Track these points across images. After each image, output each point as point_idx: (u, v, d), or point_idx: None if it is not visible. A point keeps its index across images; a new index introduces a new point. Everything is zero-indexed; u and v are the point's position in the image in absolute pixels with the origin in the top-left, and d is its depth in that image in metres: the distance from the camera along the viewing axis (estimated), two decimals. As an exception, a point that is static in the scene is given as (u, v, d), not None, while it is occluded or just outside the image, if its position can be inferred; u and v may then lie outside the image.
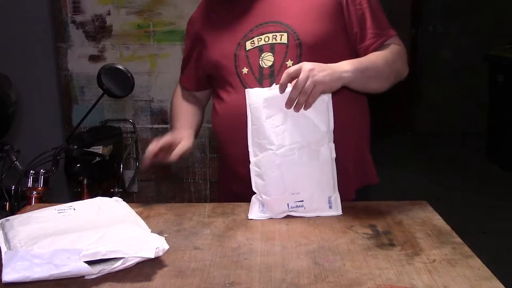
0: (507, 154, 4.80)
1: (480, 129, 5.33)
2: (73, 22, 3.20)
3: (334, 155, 1.39)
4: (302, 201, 1.36)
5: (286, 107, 1.33)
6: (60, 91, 3.29)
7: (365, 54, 1.47)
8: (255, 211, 1.39)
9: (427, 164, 5.12)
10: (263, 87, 1.42)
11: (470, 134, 5.70)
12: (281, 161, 1.34)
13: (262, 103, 1.35)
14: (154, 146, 1.44)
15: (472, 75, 5.75)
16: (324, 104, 1.36)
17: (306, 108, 1.32)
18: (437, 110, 6.04)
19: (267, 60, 1.45)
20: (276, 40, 1.45)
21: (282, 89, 1.32)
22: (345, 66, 1.35)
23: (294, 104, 1.32)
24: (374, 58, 1.44)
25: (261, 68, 1.45)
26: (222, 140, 1.57)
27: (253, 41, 1.47)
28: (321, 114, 1.36)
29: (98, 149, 2.27)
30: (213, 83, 1.61)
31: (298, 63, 1.37)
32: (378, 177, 1.61)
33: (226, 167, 1.60)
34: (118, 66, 1.78)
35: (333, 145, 1.38)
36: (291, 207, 1.37)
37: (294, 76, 1.30)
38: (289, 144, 1.34)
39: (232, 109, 1.49)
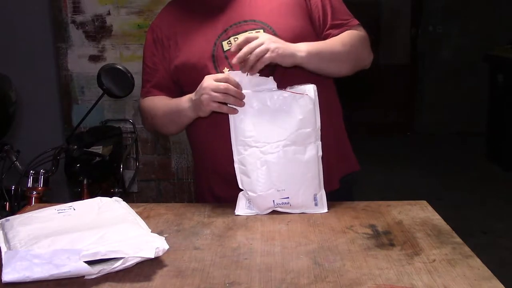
0: (507, 154, 4.80)
1: (480, 129, 5.33)
2: (73, 22, 3.20)
3: (320, 153, 1.41)
4: (288, 197, 1.38)
5: (232, 62, 1.36)
6: (60, 91, 3.28)
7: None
8: (242, 207, 1.42)
9: (427, 164, 5.12)
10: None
11: (470, 134, 5.70)
12: (266, 158, 1.37)
13: (246, 103, 1.38)
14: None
15: (472, 75, 5.75)
16: (310, 103, 1.38)
17: (252, 71, 1.35)
18: (437, 110, 6.04)
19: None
20: None
21: (239, 60, 1.34)
22: (301, 46, 1.40)
23: (242, 65, 1.35)
24: (331, 41, 1.49)
25: None
26: (205, 143, 1.54)
27: (230, 41, 1.49)
28: (307, 113, 1.38)
29: (98, 149, 2.26)
30: (185, 88, 1.54)
31: None
32: (360, 165, 1.64)
33: (208, 170, 1.58)
34: (118, 66, 1.78)
35: (319, 143, 1.41)
36: (277, 204, 1.39)
37: (252, 41, 1.34)
38: (274, 142, 1.37)
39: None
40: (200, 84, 1.39)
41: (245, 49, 1.34)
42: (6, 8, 3.15)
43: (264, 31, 1.46)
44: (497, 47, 5.04)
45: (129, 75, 1.76)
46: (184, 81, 1.55)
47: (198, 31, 1.53)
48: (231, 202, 1.45)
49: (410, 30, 6.10)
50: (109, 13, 3.19)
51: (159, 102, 1.58)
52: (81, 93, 3.27)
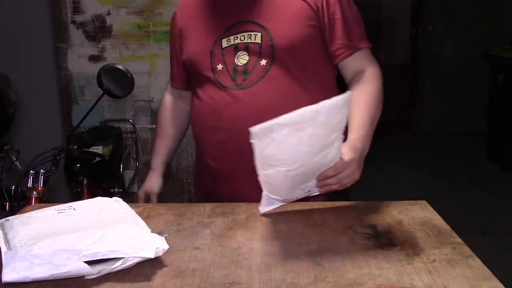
0: (507, 154, 4.80)
1: (480, 129, 5.33)
2: (73, 22, 3.20)
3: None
4: (309, 190, 1.39)
5: (318, 186, 1.35)
6: (60, 91, 3.29)
7: (334, 61, 1.54)
8: (264, 204, 1.38)
9: (427, 164, 5.12)
10: (236, 84, 1.47)
11: (470, 134, 5.70)
12: (293, 174, 1.31)
13: (272, 138, 1.27)
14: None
15: (472, 75, 5.75)
16: (337, 109, 1.29)
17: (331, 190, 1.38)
18: (437, 110, 6.05)
19: (242, 58, 1.49)
20: (250, 39, 1.49)
21: (321, 178, 1.33)
22: (366, 148, 1.45)
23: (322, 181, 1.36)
24: (375, 113, 1.51)
25: (235, 65, 1.50)
26: (197, 134, 1.62)
27: (229, 39, 1.51)
28: (333, 122, 1.29)
29: (98, 149, 2.27)
30: (192, 81, 1.65)
31: (271, 63, 1.47)
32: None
33: (199, 159, 1.66)
34: (118, 66, 1.78)
35: (340, 143, 1.32)
36: (301, 195, 1.40)
37: (342, 170, 1.34)
38: (302, 160, 1.29)
39: (205, 104, 1.54)
40: (143, 184, 1.82)
41: (334, 181, 1.35)
42: (6, 8, 3.15)
43: (261, 35, 1.48)
44: (497, 47, 5.04)
45: (129, 75, 1.76)
46: (189, 72, 1.64)
47: (204, 26, 1.57)
48: (216, 193, 1.56)
49: (410, 30, 6.11)
50: (109, 13, 3.19)
51: (158, 128, 1.82)
52: (81, 93, 3.28)
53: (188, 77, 1.67)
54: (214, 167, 1.56)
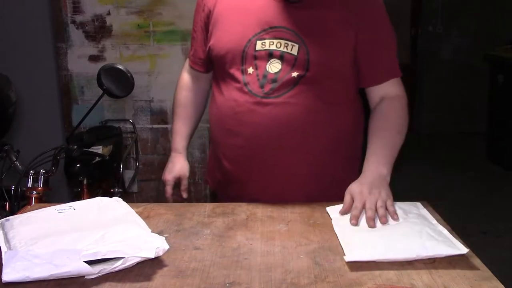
0: (507, 154, 4.80)
1: (480, 129, 5.33)
2: (73, 22, 3.20)
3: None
4: None
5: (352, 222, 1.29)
6: (60, 91, 3.28)
7: (364, 83, 1.53)
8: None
9: (427, 164, 5.12)
10: (263, 91, 1.44)
11: (470, 134, 5.69)
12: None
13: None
14: (168, 190, 1.71)
15: (472, 75, 5.74)
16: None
17: (395, 217, 1.31)
18: (437, 110, 6.04)
19: (274, 66, 1.44)
20: (287, 49, 1.44)
21: (372, 221, 1.29)
22: (384, 171, 1.46)
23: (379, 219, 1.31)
24: (396, 141, 1.51)
25: (266, 72, 1.45)
26: (216, 133, 1.60)
27: (264, 42, 1.45)
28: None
29: (98, 149, 2.26)
30: (215, 70, 1.60)
31: (304, 76, 1.43)
32: None
33: (215, 154, 1.64)
34: (118, 66, 1.78)
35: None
36: None
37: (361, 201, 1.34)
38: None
39: (228, 105, 1.50)
40: (170, 168, 1.74)
41: (369, 212, 1.30)
42: (6, 8, 3.15)
43: (299, 47, 1.43)
44: (497, 47, 5.04)
45: (129, 75, 1.76)
46: (214, 61, 1.57)
47: (240, 20, 1.49)
48: (225, 193, 1.58)
49: (410, 30, 6.10)
50: (109, 13, 3.19)
51: (175, 109, 1.76)
52: (81, 93, 3.27)
53: (209, 61, 1.61)
54: (227, 168, 1.55)
